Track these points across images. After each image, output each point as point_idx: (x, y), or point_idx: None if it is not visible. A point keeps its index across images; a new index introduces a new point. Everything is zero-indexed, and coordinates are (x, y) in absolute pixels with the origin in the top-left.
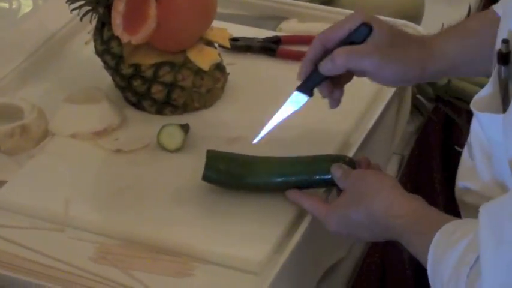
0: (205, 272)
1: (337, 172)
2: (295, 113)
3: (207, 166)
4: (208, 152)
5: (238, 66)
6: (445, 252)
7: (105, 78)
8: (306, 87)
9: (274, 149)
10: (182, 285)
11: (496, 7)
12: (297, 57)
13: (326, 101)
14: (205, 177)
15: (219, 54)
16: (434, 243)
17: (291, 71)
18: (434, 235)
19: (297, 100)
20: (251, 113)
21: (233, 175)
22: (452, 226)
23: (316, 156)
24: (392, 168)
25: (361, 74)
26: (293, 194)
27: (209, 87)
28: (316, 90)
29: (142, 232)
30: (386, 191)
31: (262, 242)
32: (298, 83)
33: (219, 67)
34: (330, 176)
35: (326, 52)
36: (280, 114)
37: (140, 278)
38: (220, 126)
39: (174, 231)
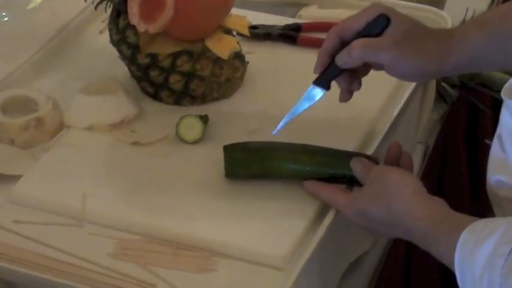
0: (228, 267)
1: (357, 166)
2: (310, 107)
3: (227, 164)
4: (225, 148)
5: (257, 54)
6: (474, 249)
7: (121, 69)
8: (323, 81)
9: (296, 138)
10: (204, 281)
11: None
12: (318, 44)
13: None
14: (228, 175)
15: (238, 43)
16: (462, 242)
17: (312, 59)
18: (460, 234)
19: (313, 94)
20: (271, 102)
21: (254, 165)
22: (480, 224)
23: (338, 150)
24: (416, 157)
25: (379, 67)
26: (311, 185)
27: (228, 76)
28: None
29: (162, 227)
30: (409, 192)
31: (286, 236)
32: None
33: (238, 56)
34: (349, 173)
35: (343, 44)
36: (297, 108)
37: (161, 274)
38: (239, 116)
39: (195, 226)
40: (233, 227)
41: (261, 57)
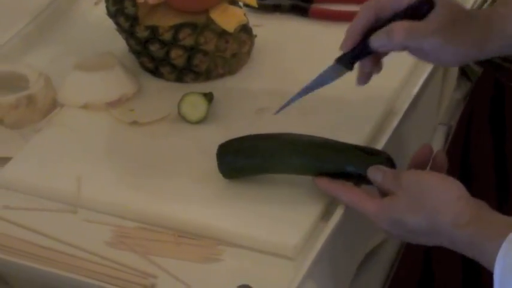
0: (235, 256)
1: (376, 176)
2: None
3: (221, 169)
4: (219, 149)
5: (266, 27)
6: None
7: (119, 42)
8: (347, 60)
9: (307, 120)
10: (209, 271)
11: None
12: (331, 17)
13: None
14: (226, 177)
15: (245, 15)
16: (503, 253)
17: (325, 33)
18: (502, 243)
19: (334, 72)
20: (280, 79)
21: (252, 167)
22: None
23: (349, 145)
24: (438, 139)
25: (416, 52)
26: (325, 183)
27: (234, 51)
28: None
29: (163, 213)
30: (452, 198)
31: (297, 223)
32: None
33: (246, 29)
34: (361, 172)
35: (377, 22)
36: (312, 85)
37: (162, 264)
38: (246, 94)
39: (198, 212)
40: (240, 214)
41: (269, 31)
